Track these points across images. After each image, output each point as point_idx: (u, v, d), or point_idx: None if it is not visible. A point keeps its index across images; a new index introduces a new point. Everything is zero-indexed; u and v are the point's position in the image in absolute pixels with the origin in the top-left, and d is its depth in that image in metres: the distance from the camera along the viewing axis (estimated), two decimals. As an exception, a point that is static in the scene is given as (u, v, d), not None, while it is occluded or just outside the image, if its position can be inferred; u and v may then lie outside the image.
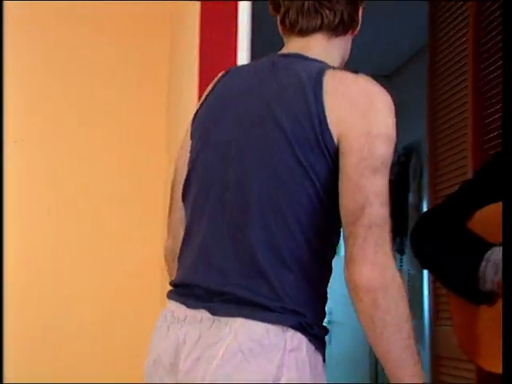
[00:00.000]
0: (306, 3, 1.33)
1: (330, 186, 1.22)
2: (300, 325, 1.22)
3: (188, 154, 1.40)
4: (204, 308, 1.28)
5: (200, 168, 1.36)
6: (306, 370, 1.21)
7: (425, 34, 3.48)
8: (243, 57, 2.18)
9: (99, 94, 2.65)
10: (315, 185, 1.22)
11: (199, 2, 2.19)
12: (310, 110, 1.22)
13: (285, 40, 1.40)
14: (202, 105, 1.42)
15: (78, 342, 2.53)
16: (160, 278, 2.36)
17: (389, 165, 1.22)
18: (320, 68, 1.28)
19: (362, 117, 1.21)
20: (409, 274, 4.60)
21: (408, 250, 4.55)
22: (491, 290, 1.37)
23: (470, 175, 2.84)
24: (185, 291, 1.33)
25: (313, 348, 1.23)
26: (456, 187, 1.69)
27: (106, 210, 2.63)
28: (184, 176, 1.39)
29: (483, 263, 1.36)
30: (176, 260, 1.40)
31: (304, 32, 1.35)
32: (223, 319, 1.24)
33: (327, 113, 1.21)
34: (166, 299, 1.38)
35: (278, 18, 1.39)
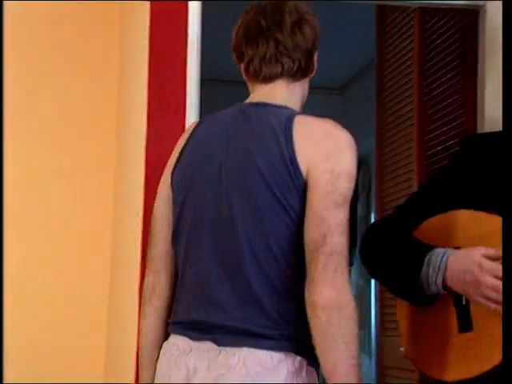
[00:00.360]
0: (268, 53, 1.50)
1: (303, 216, 1.39)
2: (299, 349, 1.39)
3: (169, 197, 1.54)
4: (209, 340, 1.43)
5: (189, 213, 1.49)
6: None
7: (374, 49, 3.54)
8: (193, 57, 2.18)
9: (46, 95, 2.61)
10: (292, 217, 1.39)
11: (148, 2, 2.18)
12: (283, 154, 1.40)
13: (250, 86, 1.57)
14: (180, 156, 1.55)
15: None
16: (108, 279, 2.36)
17: (349, 199, 1.39)
18: (289, 115, 1.46)
19: (326, 157, 1.39)
20: (357, 284, 4.66)
21: (356, 261, 4.61)
22: (436, 293, 1.40)
23: (415, 188, 2.89)
24: (188, 325, 1.47)
25: (310, 368, 1.40)
26: (403, 199, 1.74)
27: (49, 210, 2.59)
28: (165, 217, 1.54)
29: (424, 267, 1.40)
30: (159, 298, 1.55)
31: (267, 79, 1.52)
32: (229, 349, 1.40)
33: (297, 155, 1.39)
34: (170, 334, 1.50)
35: (242, 66, 1.56)
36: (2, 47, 2.14)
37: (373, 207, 4.33)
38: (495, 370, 1.30)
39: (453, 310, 1.40)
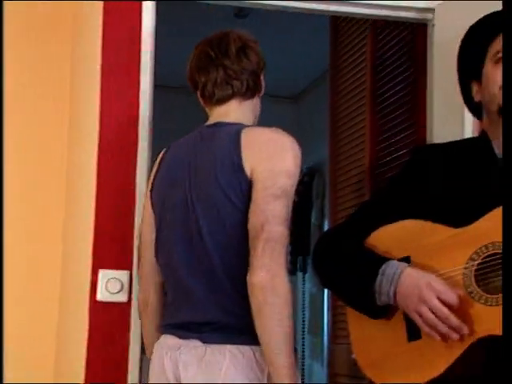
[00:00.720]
0: (219, 78, 1.73)
1: None
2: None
3: (151, 220, 1.77)
4: (196, 338, 1.63)
5: (164, 229, 1.73)
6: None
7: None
8: (146, 59, 2.17)
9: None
10: (247, 217, 1.58)
11: (101, 2, 2.15)
12: (233, 162, 1.61)
13: (208, 111, 1.81)
14: (154, 180, 1.80)
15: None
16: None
17: (290, 194, 1.58)
18: (237, 128, 1.68)
19: (268, 158, 1.59)
20: (310, 292, 4.68)
21: (310, 268, 4.63)
22: (387, 304, 1.42)
23: (368, 196, 2.93)
24: (176, 326, 1.68)
25: None
26: (355, 208, 1.74)
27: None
28: (149, 239, 1.77)
29: (378, 277, 1.40)
30: (151, 311, 1.80)
31: (221, 101, 1.76)
32: (214, 346, 1.60)
33: (243, 161, 1.60)
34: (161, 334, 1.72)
35: (198, 93, 1.80)
36: (1, 47, 2.10)
37: (327, 215, 4.37)
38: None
39: (402, 318, 1.42)
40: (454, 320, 1.29)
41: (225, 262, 1.61)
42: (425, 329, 1.33)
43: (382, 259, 1.43)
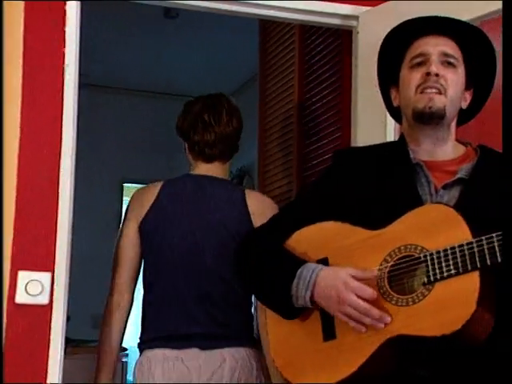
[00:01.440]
0: (210, 140, 2.15)
1: None
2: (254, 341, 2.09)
3: (137, 241, 2.12)
4: (194, 346, 2.01)
5: (164, 252, 2.08)
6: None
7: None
8: (72, 60, 2.13)
9: None
10: None
11: (23, 2, 2.10)
12: (242, 213, 2.10)
13: (192, 162, 2.22)
14: (151, 209, 2.11)
15: None
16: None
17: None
18: (241, 188, 2.26)
19: (262, 211, 2.06)
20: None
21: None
22: (303, 306, 1.44)
23: (295, 199, 2.96)
24: (172, 338, 2.03)
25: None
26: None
27: None
28: (130, 253, 2.12)
29: (295, 280, 1.42)
30: (121, 312, 2.11)
31: (208, 159, 2.18)
32: (213, 351, 2.00)
33: (251, 214, 2.10)
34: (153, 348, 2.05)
35: (187, 145, 2.21)
36: (1, 47, 2.02)
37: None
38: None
39: (319, 319, 1.44)
40: (375, 312, 1.33)
41: (222, 288, 2.04)
42: (351, 324, 1.36)
43: (300, 262, 1.45)
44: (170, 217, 2.09)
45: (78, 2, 2.16)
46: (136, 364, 2.10)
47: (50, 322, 2.01)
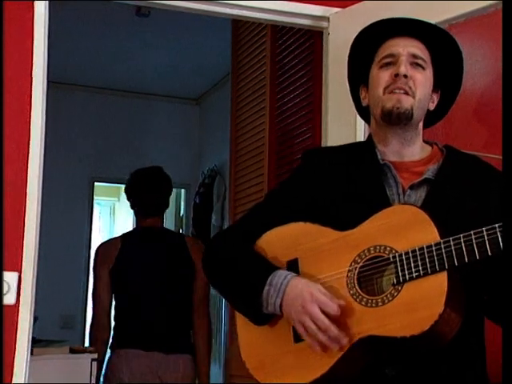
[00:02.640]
0: (151, 202, 3.06)
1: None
2: None
3: (108, 287, 2.95)
4: (156, 350, 2.84)
5: (130, 289, 2.97)
6: None
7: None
8: (40, 59, 2.10)
9: None
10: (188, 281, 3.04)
11: (-13, 2, 2.07)
12: (183, 257, 3.00)
13: (138, 218, 3.10)
14: (118, 257, 2.96)
15: None
16: None
17: None
18: (180, 235, 3.63)
19: (199, 251, 2.87)
20: (210, 294, 4.68)
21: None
22: (273, 313, 1.43)
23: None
24: (138, 340, 2.86)
25: None
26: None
27: None
28: (107, 297, 2.97)
29: (266, 287, 1.41)
30: (103, 329, 2.96)
31: (150, 216, 3.05)
32: (173, 355, 2.87)
33: (192, 256, 3.00)
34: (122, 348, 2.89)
35: (132, 201, 3.11)
36: (1, 48, 1.97)
37: (227, 217, 4.39)
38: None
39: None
40: (333, 331, 1.32)
41: (176, 308, 2.95)
42: (306, 338, 1.36)
43: (271, 268, 1.44)
44: (133, 261, 2.96)
45: (46, 2, 2.14)
46: (107, 361, 2.92)
47: (17, 321, 1.98)
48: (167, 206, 3.15)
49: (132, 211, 3.18)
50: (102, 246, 3.07)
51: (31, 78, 2.10)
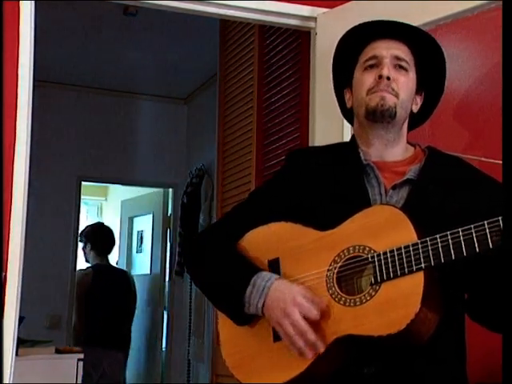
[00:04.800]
0: (106, 246, 4.58)
1: None
2: None
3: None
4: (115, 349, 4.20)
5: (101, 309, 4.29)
6: None
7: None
8: (26, 57, 2.10)
9: None
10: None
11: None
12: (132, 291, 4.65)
13: (95, 255, 4.48)
14: (89, 287, 4.30)
15: None
16: None
17: None
18: (126, 272, 4.90)
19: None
20: (196, 293, 4.69)
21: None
22: (255, 314, 1.43)
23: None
24: (99, 340, 4.08)
25: None
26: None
27: None
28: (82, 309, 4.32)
29: (249, 288, 1.41)
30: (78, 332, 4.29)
31: (105, 254, 4.51)
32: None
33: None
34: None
35: (91, 246, 4.51)
36: (1, 48, 1.96)
37: (214, 216, 4.39)
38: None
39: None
40: (311, 336, 1.32)
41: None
42: (285, 340, 1.36)
43: (254, 269, 1.44)
44: (102, 289, 4.24)
45: (33, 2, 2.13)
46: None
47: (2, 322, 1.97)
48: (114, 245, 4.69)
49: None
50: (78, 278, 4.54)
51: (17, 78, 2.10)
